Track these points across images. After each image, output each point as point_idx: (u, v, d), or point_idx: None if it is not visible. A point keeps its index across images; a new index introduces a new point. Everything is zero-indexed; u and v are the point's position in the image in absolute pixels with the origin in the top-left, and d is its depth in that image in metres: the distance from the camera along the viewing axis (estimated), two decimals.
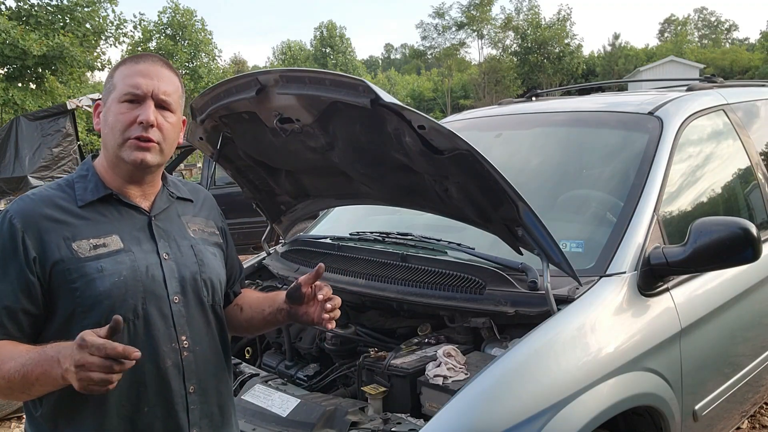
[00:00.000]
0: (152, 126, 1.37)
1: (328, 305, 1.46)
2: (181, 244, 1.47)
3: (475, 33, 45.86)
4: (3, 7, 16.35)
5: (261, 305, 1.64)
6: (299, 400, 1.97)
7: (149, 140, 1.37)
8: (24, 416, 4.04)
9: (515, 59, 45.09)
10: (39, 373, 1.21)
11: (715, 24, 78.79)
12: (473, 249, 2.21)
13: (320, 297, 1.45)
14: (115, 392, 1.31)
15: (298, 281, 1.51)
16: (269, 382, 2.15)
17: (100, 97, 1.46)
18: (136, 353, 1.12)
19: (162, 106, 1.40)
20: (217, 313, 1.53)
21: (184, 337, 1.41)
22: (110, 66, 18.91)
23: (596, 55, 52.19)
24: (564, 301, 1.92)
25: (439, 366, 1.88)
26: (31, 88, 17.39)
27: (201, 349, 1.45)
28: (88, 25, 17.69)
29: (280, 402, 1.99)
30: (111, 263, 1.34)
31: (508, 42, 46.17)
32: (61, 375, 1.17)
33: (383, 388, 1.95)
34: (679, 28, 67.42)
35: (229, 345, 1.60)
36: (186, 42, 33.22)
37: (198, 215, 1.58)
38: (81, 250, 1.33)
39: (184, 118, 1.51)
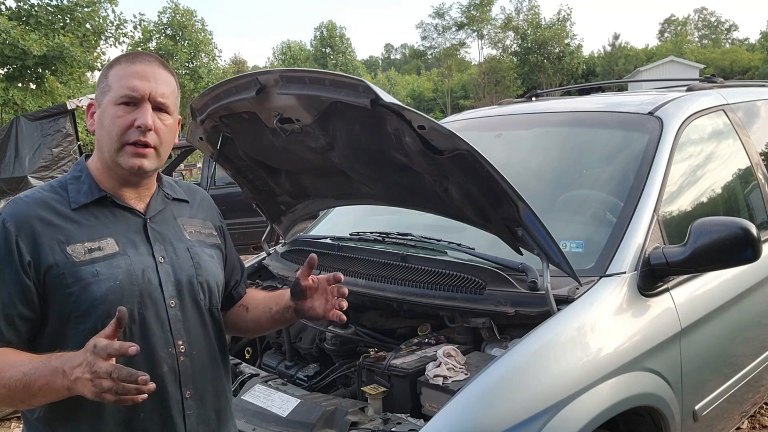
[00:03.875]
0: (150, 130, 1.35)
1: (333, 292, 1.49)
2: (177, 247, 1.45)
3: (475, 33, 45.88)
4: (3, 7, 16.35)
5: (268, 304, 1.64)
6: (299, 401, 1.97)
7: (146, 145, 1.36)
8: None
9: (515, 59, 45.09)
10: (42, 384, 1.19)
11: (715, 24, 78.89)
12: (473, 249, 2.21)
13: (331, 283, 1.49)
14: None
15: (296, 276, 1.51)
16: (269, 382, 2.15)
17: None
18: (145, 378, 1.10)
19: (159, 108, 1.38)
20: (214, 317, 1.51)
21: (180, 342, 1.39)
22: None
23: (596, 55, 52.21)
24: (564, 301, 1.92)
25: (439, 366, 1.88)
26: (31, 88, 17.37)
27: (198, 353, 1.43)
28: (88, 26, 17.67)
29: (280, 402, 1.99)
30: (107, 267, 1.32)
31: (508, 42, 46.23)
32: (67, 386, 1.16)
33: (383, 389, 1.95)
34: (679, 28, 67.46)
35: (227, 348, 1.58)
36: (186, 42, 33.21)
37: (195, 216, 1.56)
38: (76, 254, 1.30)
39: (180, 117, 1.49)
